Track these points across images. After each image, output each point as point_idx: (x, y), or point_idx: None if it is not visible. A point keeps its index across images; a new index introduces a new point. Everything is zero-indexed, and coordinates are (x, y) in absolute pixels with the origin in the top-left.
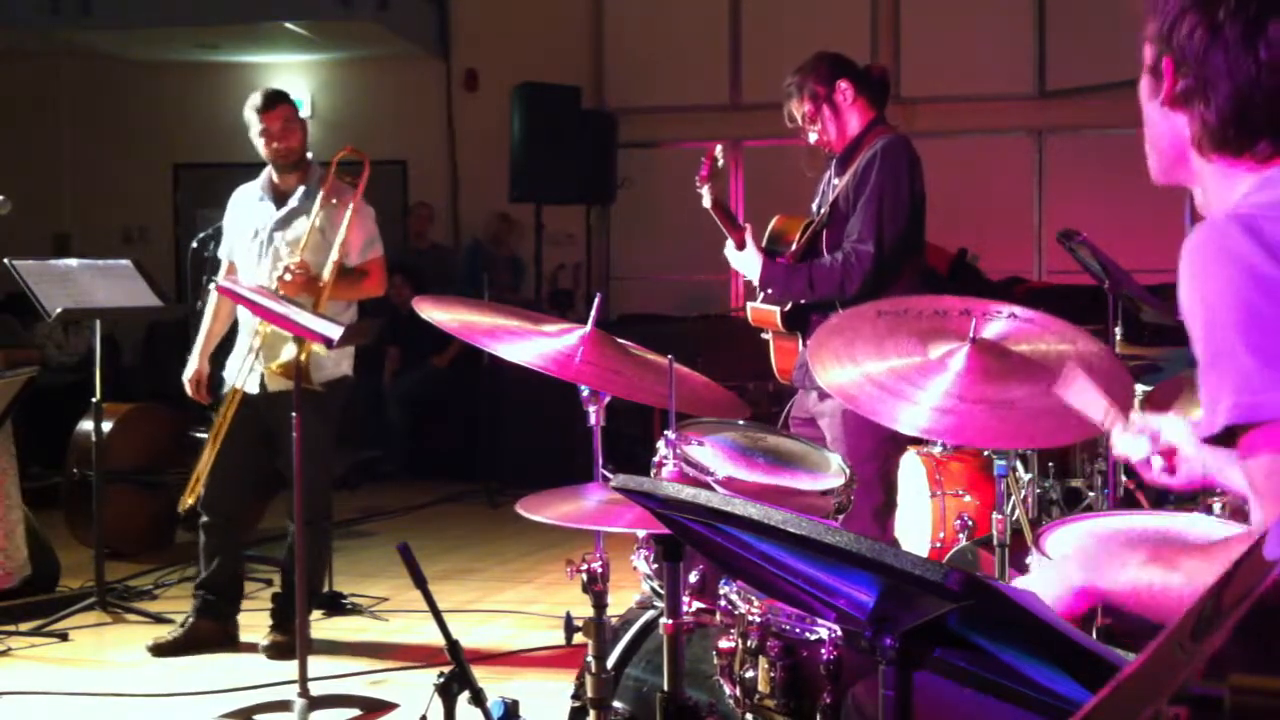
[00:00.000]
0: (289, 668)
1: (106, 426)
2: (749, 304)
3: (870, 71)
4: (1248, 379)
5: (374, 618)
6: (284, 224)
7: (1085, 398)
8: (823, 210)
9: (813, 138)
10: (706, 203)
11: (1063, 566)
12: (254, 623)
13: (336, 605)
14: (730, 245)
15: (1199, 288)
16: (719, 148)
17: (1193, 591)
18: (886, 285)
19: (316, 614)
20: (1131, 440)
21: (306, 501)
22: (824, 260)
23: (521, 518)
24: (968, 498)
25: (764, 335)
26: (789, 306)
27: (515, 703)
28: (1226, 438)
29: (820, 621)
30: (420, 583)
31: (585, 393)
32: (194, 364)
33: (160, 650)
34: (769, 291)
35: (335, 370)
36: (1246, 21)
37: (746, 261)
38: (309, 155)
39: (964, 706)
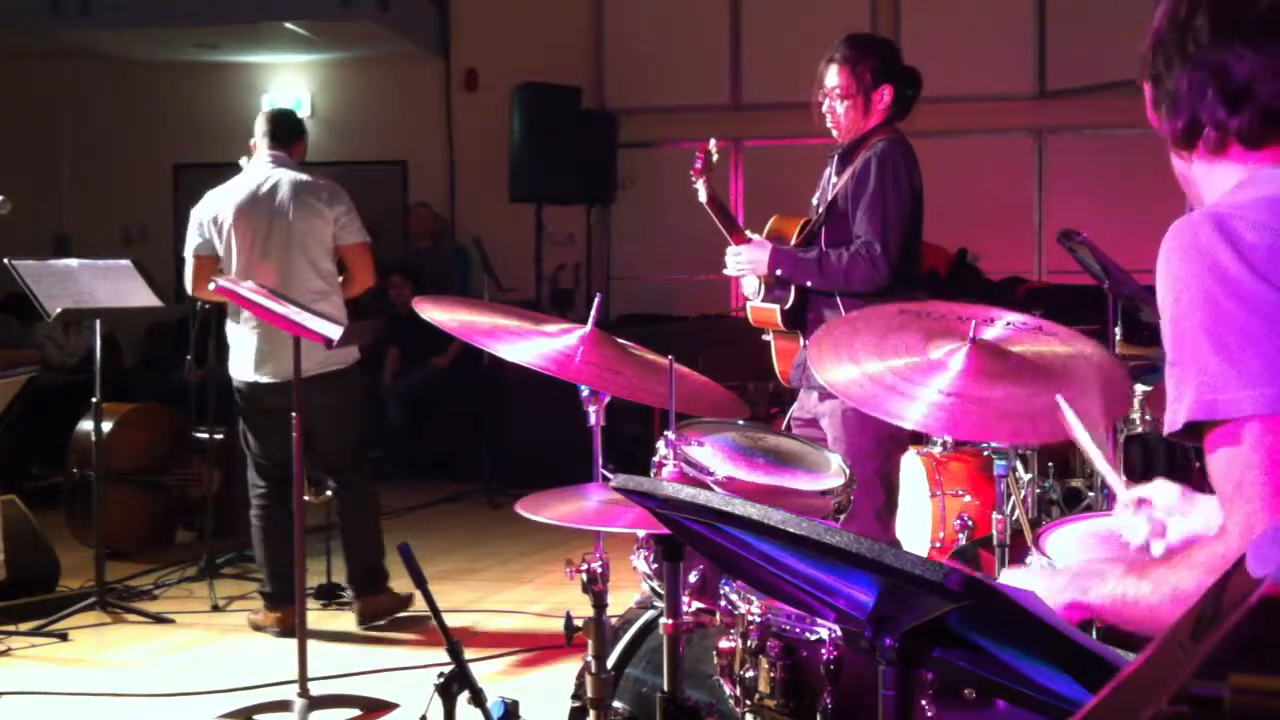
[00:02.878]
0: (289, 668)
1: (107, 426)
2: (749, 304)
3: (913, 80)
4: (1209, 377)
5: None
6: None
7: (1090, 447)
8: (821, 208)
9: (824, 106)
10: (702, 197)
11: (1050, 581)
12: None
13: (335, 596)
14: (730, 251)
15: (1169, 284)
16: (713, 142)
17: (1159, 600)
18: (894, 288)
19: (314, 605)
20: (1131, 520)
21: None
22: (833, 251)
23: (521, 518)
24: (968, 497)
25: (765, 336)
26: (790, 305)
27: (515, 703)
28: (1190, 434)
29: (820, 621)
30: (420, 583)
31: (585, 393)
32: None
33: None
34: (778, 273)
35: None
36: (1177, 24)
37: (753, 252)
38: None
39: None
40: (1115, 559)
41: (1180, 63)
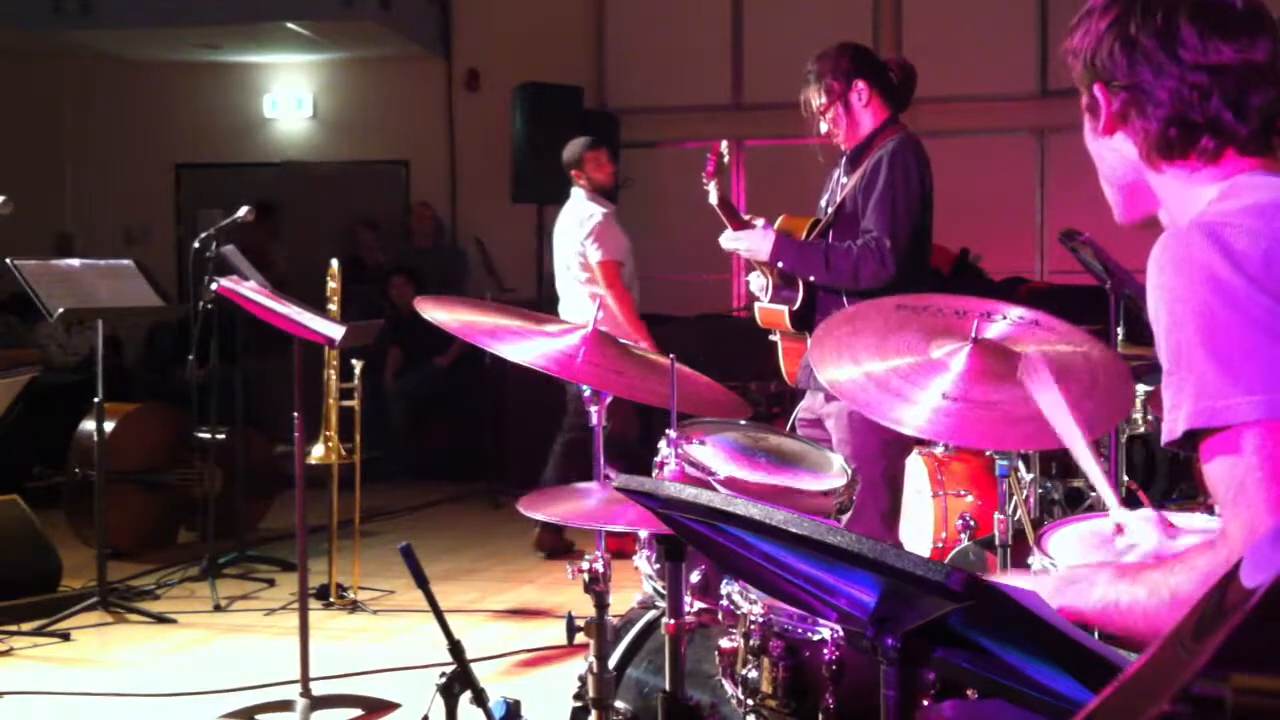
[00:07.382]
0: (291, 668)
1: (109, 426)
2: (757, 305)
3: (890, 69)
4: (1206, 385)
5: (374, 613)
6: None
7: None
8: (830, 209)
9: (823, 128)
10: (713, 199)
11: (1035, 586)
12: (253, 622)
13: (338, 596)
14: (728, 231)
15: (1162, 296)
16: (724, 144)
17: (1156, 604)
18: (900, 285)
19: (316, 604)
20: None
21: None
22: (841, 244)
23: (523, 517)
24: (969, 498)
25: (772, 337)
26: (798, 305)
27: (517, 703)
28: (1188, 443)
29: (822, 622)
30: (422, 583)
31: (587, 393)
32: None
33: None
34: (780, 265)
35: None
36: (1157, 30)
37: (753, 238)
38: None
39: None
40: (1103, 564)
41: (1173, 68)
